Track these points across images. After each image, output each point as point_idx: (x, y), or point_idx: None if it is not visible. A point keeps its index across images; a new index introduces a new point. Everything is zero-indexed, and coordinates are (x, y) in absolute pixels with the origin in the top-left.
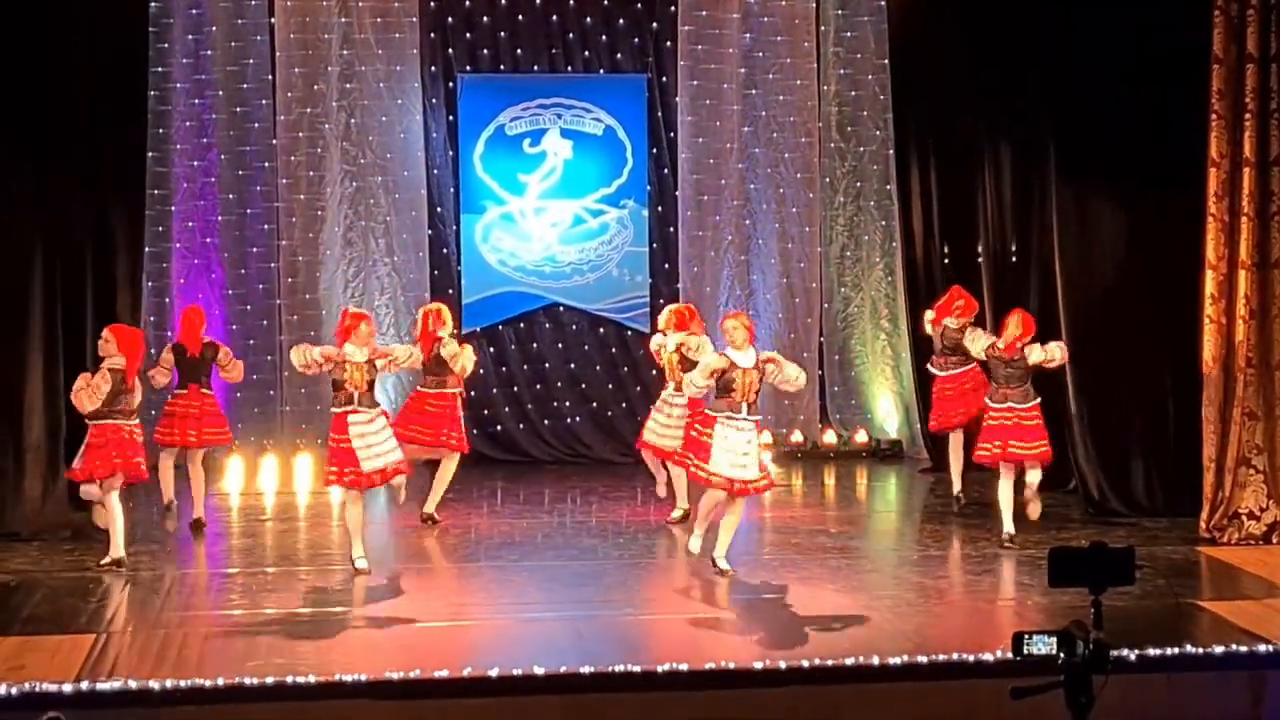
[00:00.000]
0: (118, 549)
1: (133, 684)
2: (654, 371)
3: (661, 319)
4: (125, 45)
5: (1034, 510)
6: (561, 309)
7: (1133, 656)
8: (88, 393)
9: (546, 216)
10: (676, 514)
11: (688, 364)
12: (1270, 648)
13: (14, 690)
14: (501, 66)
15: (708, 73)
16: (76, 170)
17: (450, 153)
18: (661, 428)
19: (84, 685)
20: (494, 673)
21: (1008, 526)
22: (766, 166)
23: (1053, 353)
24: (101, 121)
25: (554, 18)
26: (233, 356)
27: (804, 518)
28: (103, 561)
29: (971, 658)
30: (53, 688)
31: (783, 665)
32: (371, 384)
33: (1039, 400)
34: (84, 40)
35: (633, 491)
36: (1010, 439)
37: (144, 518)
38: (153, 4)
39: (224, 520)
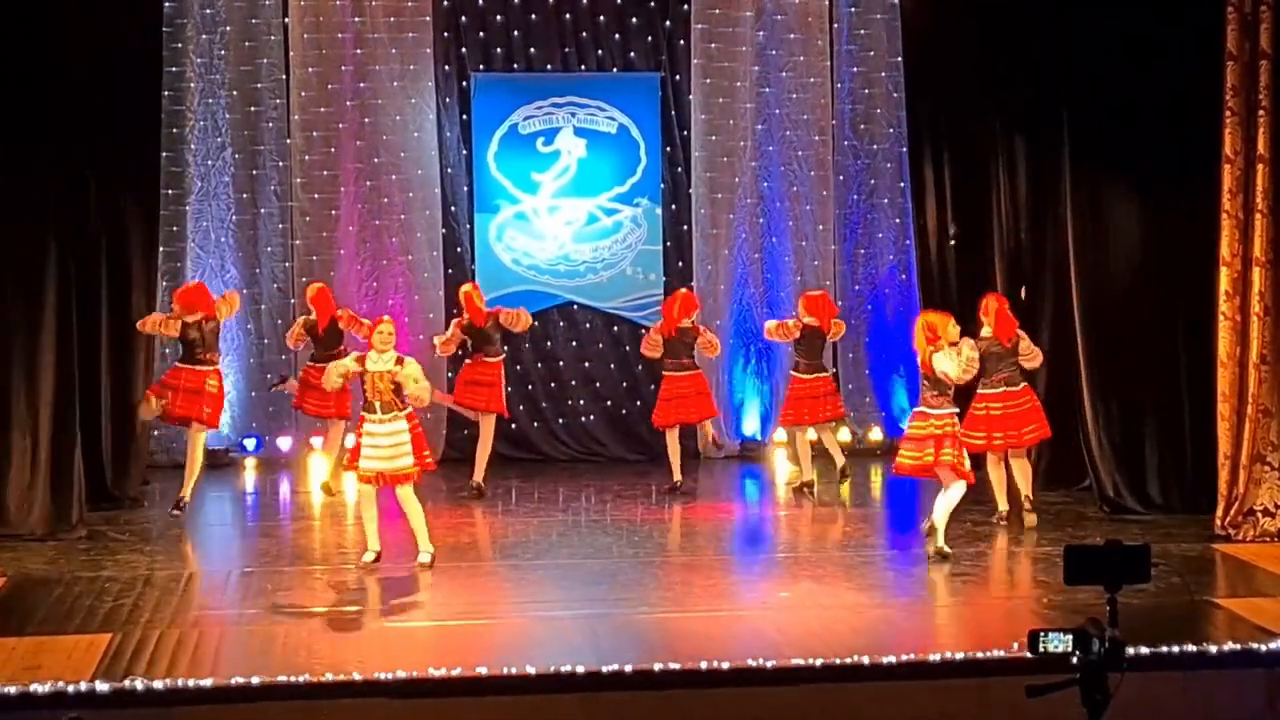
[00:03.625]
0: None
1: (149, 683)
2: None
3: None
4: (136, 45)
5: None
6: (575, 307)
7: (1148, 654)
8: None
9: (560, 215)
10: None
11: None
12: None
13: (30, 690)
14: (515, 65)
15: (721, 71)
16: (90, 170)
17: (464, 152)
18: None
19: (99, 685)
20: (509, 671)
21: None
22: (780, 164)
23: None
24: (113, 121)
25: (567, 16)
26: (514, 315)
27: (819, 515)
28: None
29: (987, 655)
30: (69, 687)
31: (798, 663)
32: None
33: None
34: (92, 40)
35: (647, 489)
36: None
37: (159, 514)
38: (167, 4)
39: (240, 519)
